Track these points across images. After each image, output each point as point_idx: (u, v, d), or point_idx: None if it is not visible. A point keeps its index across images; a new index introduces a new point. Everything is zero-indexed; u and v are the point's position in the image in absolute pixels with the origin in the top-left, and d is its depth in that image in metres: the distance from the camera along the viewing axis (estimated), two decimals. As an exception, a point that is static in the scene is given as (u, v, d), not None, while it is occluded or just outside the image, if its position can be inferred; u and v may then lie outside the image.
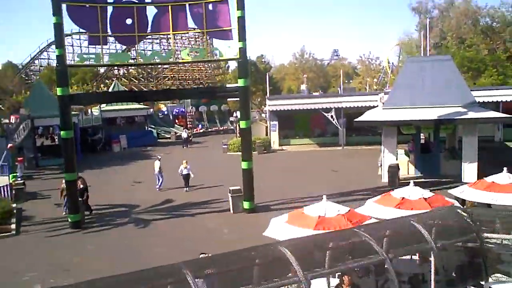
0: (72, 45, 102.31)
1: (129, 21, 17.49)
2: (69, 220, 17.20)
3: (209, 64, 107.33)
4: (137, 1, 17.66)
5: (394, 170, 20.38)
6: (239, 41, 16.98)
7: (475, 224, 7.97)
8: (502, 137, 33.62)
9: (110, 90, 45.28)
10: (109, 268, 11.50)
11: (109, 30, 17.57)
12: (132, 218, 18.44)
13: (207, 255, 8.05)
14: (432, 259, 7.25)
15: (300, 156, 32.54)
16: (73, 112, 23.03)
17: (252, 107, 42.86)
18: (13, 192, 22.92)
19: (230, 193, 18.00)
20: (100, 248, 15.11)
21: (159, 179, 23.92)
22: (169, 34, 17.83)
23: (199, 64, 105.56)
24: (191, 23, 17.97)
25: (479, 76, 40.25)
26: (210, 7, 17.41)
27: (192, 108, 57.50)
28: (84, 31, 18.13)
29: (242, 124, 17.19)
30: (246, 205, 17.69)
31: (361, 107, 33.49)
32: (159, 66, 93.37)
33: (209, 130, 55.57)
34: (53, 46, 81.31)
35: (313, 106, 34.06)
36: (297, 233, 8.18)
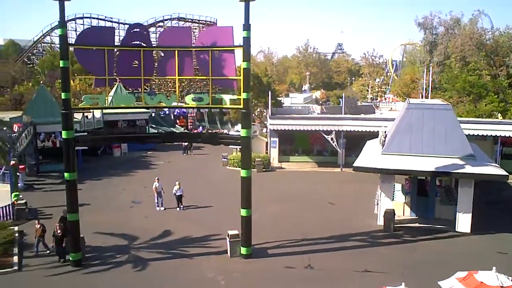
0: (76, 30, 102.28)
1: (135, 64, 17.65)
2: (71, 258, 17.53)
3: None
4: (144, 45, 17.77)
5: (390, 216, 20.75)
6: (243, 92, 17.17)
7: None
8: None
9: (112, 92, 45.72)
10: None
11: (115, 73, 17.73)
12: (131, 255, 18.77)
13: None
14: None
15: (298, 177, 32.87)
16: (75, 119, 23.28)
17: (253, 119, 43.22)
18: (15, 211, 23.45)
19: (228, 237, 18.34)
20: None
21: (158, 199, 25.16)
22: (174, 78, 17.96)
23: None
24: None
25: (480, 100, 40.40)
26: (216, 54, 17.55)
27: (193, 109, 57.86)
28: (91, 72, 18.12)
29: (243, 133, 17.34)
30: (243, 250, 18.05)
31: (362, 131, 33.95)
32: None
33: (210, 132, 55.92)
34: (56, 30, 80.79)
35: (314, 128, 34.30)
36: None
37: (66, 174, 17.27)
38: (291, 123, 34.63)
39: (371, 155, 22.23)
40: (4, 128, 30.22)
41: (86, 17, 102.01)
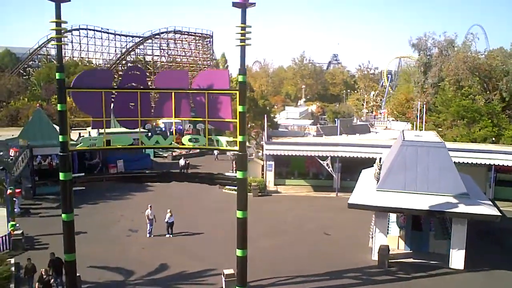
0: (72, 42, 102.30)
1: (132, 105, 17.79)
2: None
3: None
4: (141, 87, 17.93)
5: (384, 252, 20.91)
6: (239, 135, 17.33)
7: None
8: (493, 195, 34.14)
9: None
10: None
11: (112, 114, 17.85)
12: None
13: None
14: None
15: (294, 203, 32.98)
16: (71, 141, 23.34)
17: (249, 139, 43.29)
18: (12, 242, 23.45)
19: (223, 276, 18.45)
20: None
21: (149, 227, 25.67)
22: (171, 119, 18.11)
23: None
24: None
25: (474, 124, 40.75)
26: (212, 97, 17.71)
27: (190, 126, 57.99)
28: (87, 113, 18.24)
29: (239, 175, 17.41)
30: (239, 291, 18.12)
31: (358, 157, 34.21)
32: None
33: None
34: (52, 42, 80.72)
35: (310, 153, 34.53)
36: None
37: (63, 215, 17.34)
38: (287, 149, 34.84)
39: (366, 191, 22.41)
40: (1, 153, 30.22)
41: (83, 29, 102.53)
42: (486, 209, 19.94)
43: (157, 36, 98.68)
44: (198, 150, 55.03)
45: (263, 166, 37.38)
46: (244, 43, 16.81)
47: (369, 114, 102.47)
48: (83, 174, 19.40)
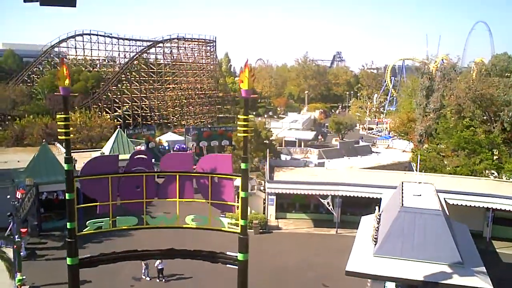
0: (75, 47, 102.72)
1: (138, 188, 18.37)
2: None
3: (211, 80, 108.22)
4: (147, 170, 18.49)
5: (380, 318, 21.55)
6: (241, 219, 17.89)
7: None
8: (490, 234, 34.72)
9: (113, 138, 46.54)
10: None
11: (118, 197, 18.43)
12: None
13: None
14: None
15: (294, 243, 33.58)
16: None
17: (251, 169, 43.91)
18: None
19: None
20: None
21: (145, 270, 27.74)
22: (175, 200, 18.67)
23: (202, 77, 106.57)
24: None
25: (475, 154, 41.17)
26: (216, 180, 18.24)
27: (193, 144, 58.63)
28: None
29: (240, 257, 17.69)
30: None
31: (358, 197, 34.83)
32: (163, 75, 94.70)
33: (209, 169, 56.55)
34: (56, 49, 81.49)
35: (311, 192, 35.16)
36: None
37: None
38: (289, 187, 35.47)
39: (363, 254, 22.97)
40: (8, 196, 30.91)
41: (86, 34, 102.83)
42: (478, 281, 20.49)
43: (160, 45, 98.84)
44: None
45: (264, 199, 38.00)
46: (247, 133, 17.32)
47: (373, 119, 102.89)
48: (89, 255, 19.79)
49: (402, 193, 25.33)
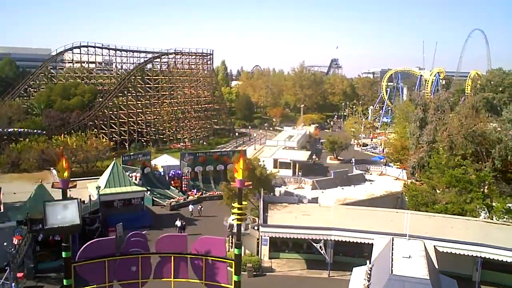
0: (73, 60, 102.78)
1: (133, 268, 18.84)
2: None
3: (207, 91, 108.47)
4: (142, 251, 18.97)
5: None
6: (234, 303, 18.38)
7: None
8: (479, 278, 35.30)
9: (109, 170, 46.88)
10: None
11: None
12: None
13: None
14: None
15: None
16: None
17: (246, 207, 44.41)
18: None
19: None
20: None
21: None
22: (170, 280, 19.16)
23: (198, 90, 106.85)
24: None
25: (465, 192, 41.81)
26: (210, 261, 18.76)
27: (188, 170, 59.04)
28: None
29: None
30: None
31: (351, 242, 35.40)
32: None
33: (204, 195, 57.13)
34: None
35: (304, 236, 35.72)
36: None
37: None
38: (282, 231, 36.01)
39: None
40: (5, 244, 31.28)
41: (84, 46, 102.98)
42: None
43: (157, 60, 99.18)
44: (196, 195, 56.79)
45: (258, 239, 38.49)
46: (240, 221, 17.83)
47: (368, 135, 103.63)
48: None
49: (392, 254, 25.89)
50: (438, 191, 44.79)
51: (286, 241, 39.49)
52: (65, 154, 55.39)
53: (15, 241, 31.95)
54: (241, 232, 18.55)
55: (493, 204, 41.71)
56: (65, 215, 13.21)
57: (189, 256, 19.14)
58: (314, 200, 43.84)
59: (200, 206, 50.95)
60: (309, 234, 35.60)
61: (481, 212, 42.07)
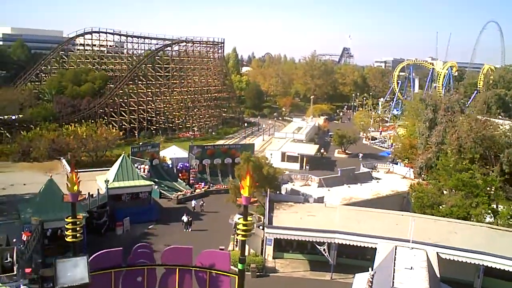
0: (84, 44, 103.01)
1: (139, 279, 19.36)
2: None
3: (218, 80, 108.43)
4: (148, 262, 19.45)
5: None
6: (237, 314, 18.84)
7: None
8: (481, 285, 35.57)
9: (117, 164, 47.37)
10: None
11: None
12: None
13: None
14: None
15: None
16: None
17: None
18: None
19: None
20: None
21: None
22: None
23: (208, 79, 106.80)
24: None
25: (471, 196, 41.84)
26: (214, 274, 19.22)
27: (196, 162, 59.47)
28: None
29: None
30: None
31: (355, 246, 35.73)
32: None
33: (211, 189, 57.66)
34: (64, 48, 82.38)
35: (308, 238, 36.10)
36: None
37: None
38: (287, 233, 36.41)
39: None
40: (14, 240, 31.98)
41: (95, 32, 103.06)
42: None
43: (168, 48, 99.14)
44: (203, 188, 57.33)
45: (263, 239, 38.94)
46: (245, 237, 18.20)
47: (377, 128, 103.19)
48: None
49: (394, 265, 26.16)
50: (444, 192, 44.88)
51: (291, 241, 39.89)
52: (75, 143, 56.02)
53: (24, 238, 32.63)
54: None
55: (499, 208, 41.81)
56: (75, 273, 13.80)
57: (193, 268, 19.63)
58: (320, 200, 44.14)
59: (202, 202, 51.23)
60: (314, 236, 35.96)
61: (486, 216, 42.15)
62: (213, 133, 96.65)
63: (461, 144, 44.68)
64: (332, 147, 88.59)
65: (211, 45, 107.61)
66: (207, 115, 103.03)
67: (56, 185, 38.31)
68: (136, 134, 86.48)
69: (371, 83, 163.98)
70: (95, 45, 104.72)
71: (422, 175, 51.75)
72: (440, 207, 43.35)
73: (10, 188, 44.83)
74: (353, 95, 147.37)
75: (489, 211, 41.19)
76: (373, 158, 79.61)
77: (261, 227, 39.78)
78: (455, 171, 43.30)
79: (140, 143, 70.23)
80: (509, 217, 39.85)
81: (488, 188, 42.40)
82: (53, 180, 38.41)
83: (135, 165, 53.37)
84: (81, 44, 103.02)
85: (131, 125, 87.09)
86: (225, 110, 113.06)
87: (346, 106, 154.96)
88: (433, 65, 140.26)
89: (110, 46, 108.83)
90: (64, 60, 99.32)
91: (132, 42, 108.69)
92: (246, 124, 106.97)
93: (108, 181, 44.59)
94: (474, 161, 43.48)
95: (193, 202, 50.94)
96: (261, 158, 45.04)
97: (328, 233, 35.88)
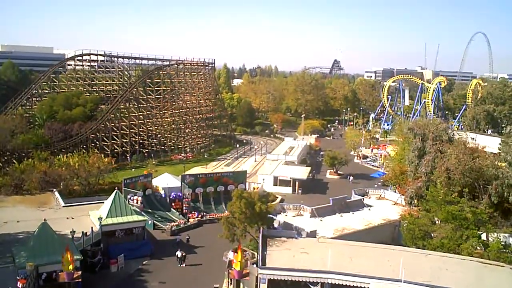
0: (74, 68, 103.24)
1: None
2: None
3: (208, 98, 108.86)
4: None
5: None
6: None
7: None
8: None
9: (110, 199, 47.48)
10: None
11: None
12: None
13: None
14: None
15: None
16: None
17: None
18: None
19: None
20: None
21: None
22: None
23: (199, 100, 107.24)
24: None
25: (462, 229, 42.44)
26: None
27: (189, 192, 59.73)
28: None
29: None
30: None
31: (347, 286, 36.10)
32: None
33: (205, 218, 57.90)
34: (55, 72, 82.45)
35: (302, 279, 36.36)
36: None
37: None
38: (280, 274, 36.65)
39: None
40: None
41: (86, 54, 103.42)
42: None
43: (157, 72, 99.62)
44: (197, 218, 57.55)
45: (257, 277, 39.17)
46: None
47: (368, 147, 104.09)
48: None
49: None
50: (436, 222, 45.47)
51: (285, 280, 40.13)
52: (68, 174, 55.87)
53: (20, 285, 32.65)
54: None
55: (490, 238, 42.48)
56: None
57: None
58: (313, 234, 44.41)
59: (187, 236, 51.29)
60: (307, 276, 36.29)
61: (477, 247, 42.74)
62: (206, 155, 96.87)
63: (449, 176, 45.38)
64: (324, 167, 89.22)
65: (202, 66, 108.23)
66: (199, 135, 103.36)
67: (49, 228, 38.37)
68: (128, 157, 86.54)
69: (361, 97, 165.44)
70: (87, 65, 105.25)
71: (413, 204, 52.38)
72: (432, 237, 43.92)
73: (4, 226, 44.69)
74: (344, 110, 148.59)
75: (480, 244, 41.80)
76: (364, 179, 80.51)
77: (254, 265, 40.04)
78: (445, 203, 43.93)
79: (133, 167, 70.24)
80: (498, 251, 40.49)
81: (477, 221, 43.04)
82: (46, 224, 38.42)
83: (128, 196, 53.59)
84: (73, 65, 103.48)
85: (123, 148, 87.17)
86: (217, 129, 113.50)
87: (337, 121, 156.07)
88: (422, 79, 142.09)
89: (100, 63, 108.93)
90: (55, 83, 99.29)
91: (123, 64, 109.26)
92: (238, 145, 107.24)
93: (102, 218, 44.69)
94: (463, 194, 44.14)
95: (178, 237, 50.87)
96: (253, 194, 45.33)
97: (321, 273, 36.22)
